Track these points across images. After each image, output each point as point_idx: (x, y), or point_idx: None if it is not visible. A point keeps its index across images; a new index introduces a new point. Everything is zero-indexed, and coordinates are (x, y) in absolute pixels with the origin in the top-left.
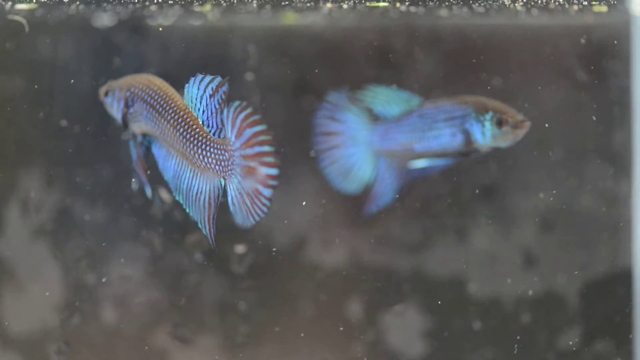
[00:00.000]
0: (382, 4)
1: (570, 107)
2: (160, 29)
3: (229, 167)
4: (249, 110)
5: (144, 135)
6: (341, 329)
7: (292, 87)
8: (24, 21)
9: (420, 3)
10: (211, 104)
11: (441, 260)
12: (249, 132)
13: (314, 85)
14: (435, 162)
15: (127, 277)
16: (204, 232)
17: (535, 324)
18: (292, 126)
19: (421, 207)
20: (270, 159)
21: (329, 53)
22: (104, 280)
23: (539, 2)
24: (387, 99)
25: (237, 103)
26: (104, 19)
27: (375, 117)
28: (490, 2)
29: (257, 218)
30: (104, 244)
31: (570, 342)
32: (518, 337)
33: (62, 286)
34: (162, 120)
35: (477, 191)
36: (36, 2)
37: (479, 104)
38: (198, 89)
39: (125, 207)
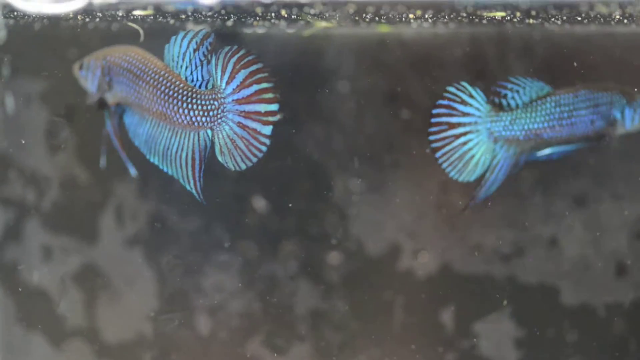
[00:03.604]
0: (499, 13)
1: None
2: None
3: (219, 116)
4: (241, 53)
5: (117, 104)
6: (434, 337)
7: (386, 96)
8: (140, 30)
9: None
10: (195, 58)
11: (533, 268)
12: (244, 73)
13: (409, 94)
14: (561, 148)
15: (220, 286)
16: (188, 188)
17: (629, 333)
18: (387, 135)
19: (512, 214)
20: (269, 95)
21: (427, 61)
22: (194, 286)
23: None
24: (518, 88)
25: (227, 48)
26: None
27: (500, 107)
28: (587, 12)
29: (255, 159)
30: (196, 252)
31: None
32: (610, 347)
33: (155, 295)
34: (140, 82)
35: (567, 199)
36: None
37: (626, 91)
38: (180, 46)
39: (218, 214)
